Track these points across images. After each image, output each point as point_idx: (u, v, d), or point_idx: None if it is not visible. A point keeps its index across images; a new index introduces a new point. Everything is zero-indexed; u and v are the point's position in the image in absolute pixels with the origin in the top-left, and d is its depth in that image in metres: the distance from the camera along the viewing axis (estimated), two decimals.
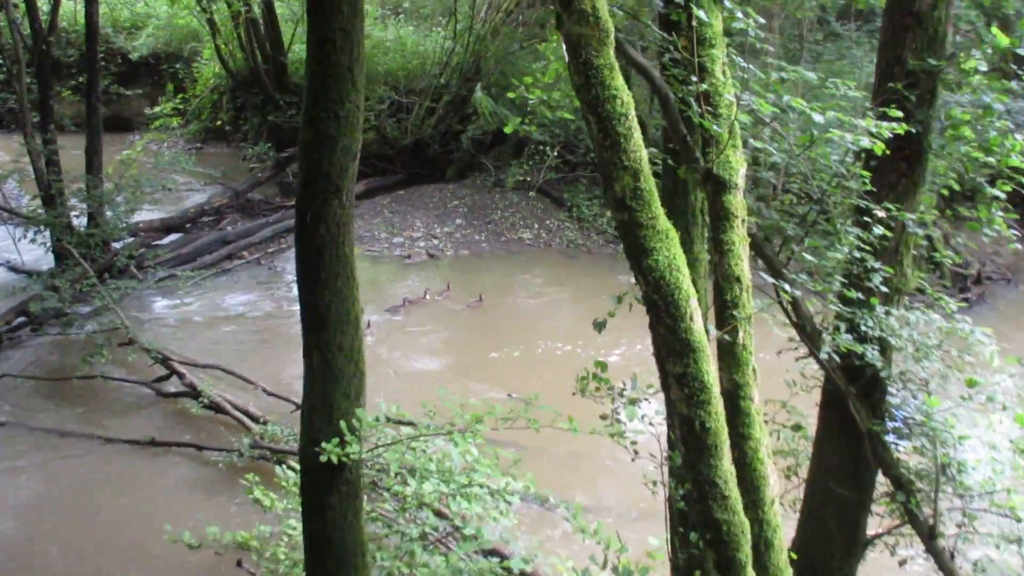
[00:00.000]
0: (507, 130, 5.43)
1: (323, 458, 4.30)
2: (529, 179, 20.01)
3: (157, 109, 23.96)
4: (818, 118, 4.34)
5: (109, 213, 13.93)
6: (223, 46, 22.09)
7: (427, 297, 14.24)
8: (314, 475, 4.48)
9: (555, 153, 19.20)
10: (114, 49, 26.37)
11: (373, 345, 11.54)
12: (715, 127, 4.24)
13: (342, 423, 4.43)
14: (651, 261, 3.82)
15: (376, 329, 12.66)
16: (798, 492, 6.19)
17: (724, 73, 4.49)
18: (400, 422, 6.20)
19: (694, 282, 3.97)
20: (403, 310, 13.87)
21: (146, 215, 17.06)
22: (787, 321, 5.41)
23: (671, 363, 3.97)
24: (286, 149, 21.41)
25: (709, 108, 4.34)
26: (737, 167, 4.38)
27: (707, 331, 4.01)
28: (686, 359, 3.90)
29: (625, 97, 3.63)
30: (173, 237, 17.58)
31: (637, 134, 3.67)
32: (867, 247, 5.10)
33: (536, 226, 18.68)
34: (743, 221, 4.50)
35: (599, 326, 4.36)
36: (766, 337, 5.39)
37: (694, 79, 4.24)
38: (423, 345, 12.41)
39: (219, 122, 24.83)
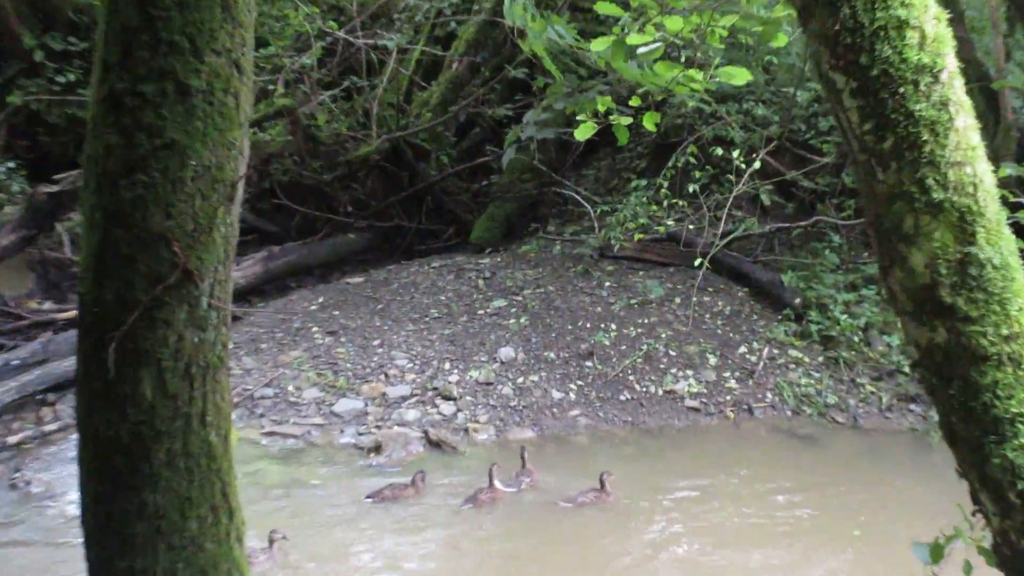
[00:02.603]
0: (634, 101, 4.90)
1: None
2: (685, 234, 16.91)
3: None
4: None
5: None
6: None
7: None
8: None
9: (755, 162, 15.62)
10: None
11: None
12: None
13: None
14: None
15: None
16: None
17: None
18: None
19: None
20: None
21: None
22: None
23: None
24: (52, 174, 17.37)
25: None
26: None
27: None
28: None
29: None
30: None
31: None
32: None
33: (710, 362, 14.57)
34: None
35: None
36: None
37: None
38: None
39: None
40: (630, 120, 4.84)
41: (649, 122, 4.83)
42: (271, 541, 10.13)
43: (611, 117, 4.99)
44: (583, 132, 4.94)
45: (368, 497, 11.68)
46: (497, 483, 11.67)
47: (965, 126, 3.37)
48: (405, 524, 11.23)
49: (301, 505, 11.51)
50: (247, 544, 9.95)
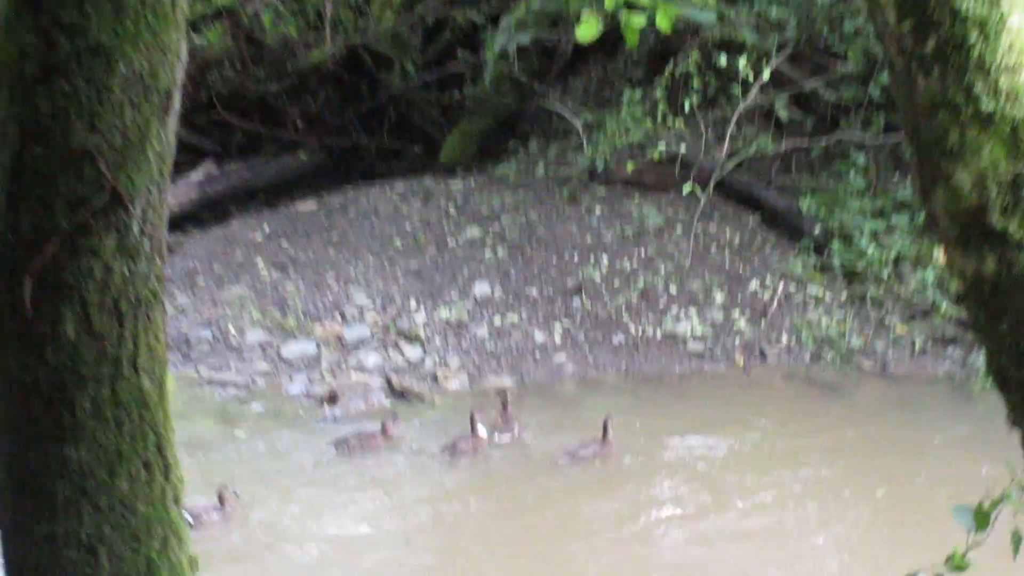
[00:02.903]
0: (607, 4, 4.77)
1: None
2: (688, 154, 17.14)
3: None
4: None
5: None
6: None
7: None
8: None
9: (766, 72, 16.04)
10: None
11: None
12: None
13: None
14: None
15: None
16: None
17: None
18: None
19: None
20: None
21: None
22: None
23: None
24: None
25: None
26: None
27: None
28: None
29: None
30: None
31: None
32: None
33: (716, 300, 14.92)
34: None
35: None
36: None
37: None
38: None
39: None
40: (643, 21, 4.86)
41: (664, 20, 4.85)
42: (221, 498, 10.33)
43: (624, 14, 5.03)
44: (586, 31, 4.93)
45: (333, 445, 11.90)
46: (480, 430, 11.90)
47: (1020, 27, 3.36)
48: (376, 478, 11.47)
49: (251, 461, 11.76)
50: (192, 501, 9.74)
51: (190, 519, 10.03)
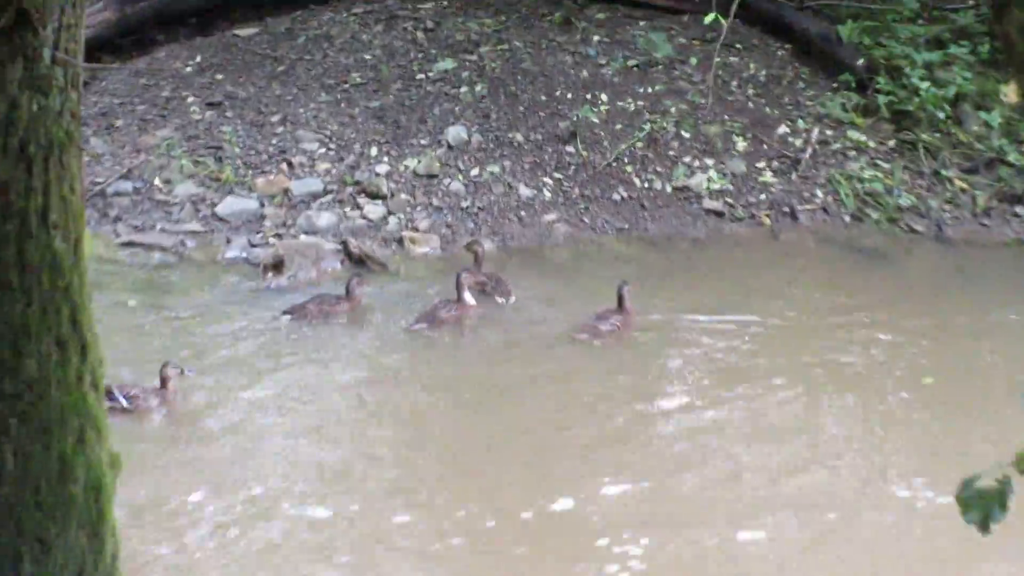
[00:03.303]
0: None
1: None
2: None
3: None
4: None
5: None
6: None
7: None
8: None
9: None
10: None
11: None
12: None
13: None
14: None
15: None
16: None
17: None
18: None
19: None
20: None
21: None
22: None
23: None
24: None
25: None
26: None
27: None
28: None
29: None
30: None
31: None
32: None
33: (738, 147, 15.15)
34: None
35: None
36: None
37: None
38: None
39: None
40: None
41: None
42: (163, 379, 10.18)
43: None
44: None
45: (285, 313, 11.92)
46: (467, 295, 11.92)
47: None
48: (340, 352, 11.45)
49: (183, 338, 11.73)
50: (127, 382, 9.87)
51: (124, 402, 10.46)
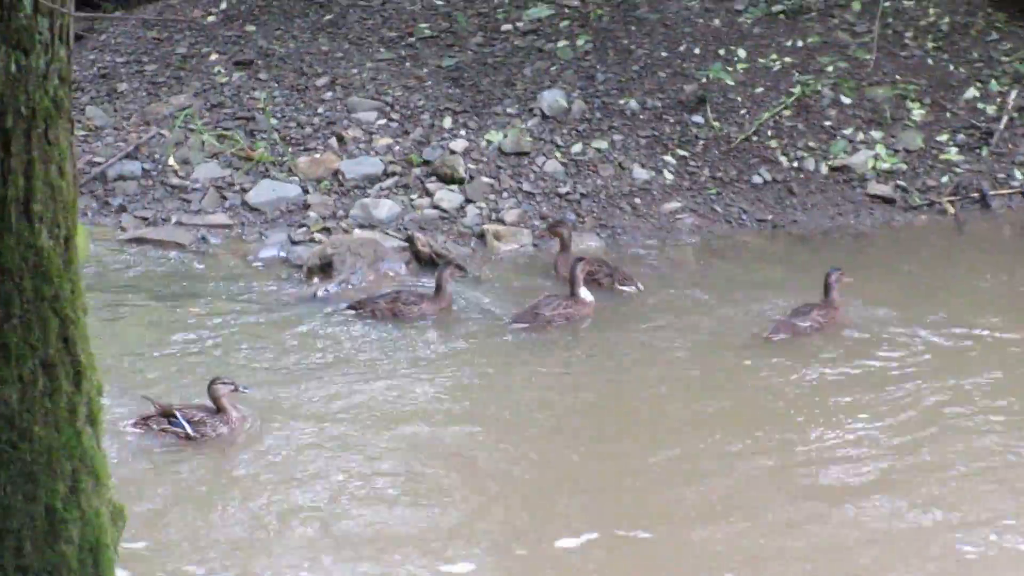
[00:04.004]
0: None
1: None
2: None
3: None
4: None
5: None
6: None
7: None
8: None
9: None
10: None
11: None
12: None
13: None
14: None
15: None
16: None
17: None
18: None
19: None
20: None
21: None
22: None
23: None
24: None
25: None
26: None
27: None
28: None
29: None
30: None
31: None
32: None
33: (913, 115, 15.24)
34: None
35: None
36: None
37: None
38: None
39: None
40: None
41: None
42: (215, 398, 10.17)
43: None
44: None
45: (349, 308, 12.05)
46: (582, 292, 11.95)
47: None
48: (419, 360, 11.40)
49: (219, 348, 11.77)
50: (172, 403, 10.57)
51: (188, 428, 10.49)
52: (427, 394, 10.55)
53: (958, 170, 14.11)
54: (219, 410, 10.25)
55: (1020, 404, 10.55)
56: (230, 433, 10.25)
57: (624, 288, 12.12)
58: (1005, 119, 14.35)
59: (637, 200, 13.64)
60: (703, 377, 10.73)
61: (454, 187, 13.88)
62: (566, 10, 16.11)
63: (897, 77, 14.88)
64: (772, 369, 10.79)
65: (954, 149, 14.28)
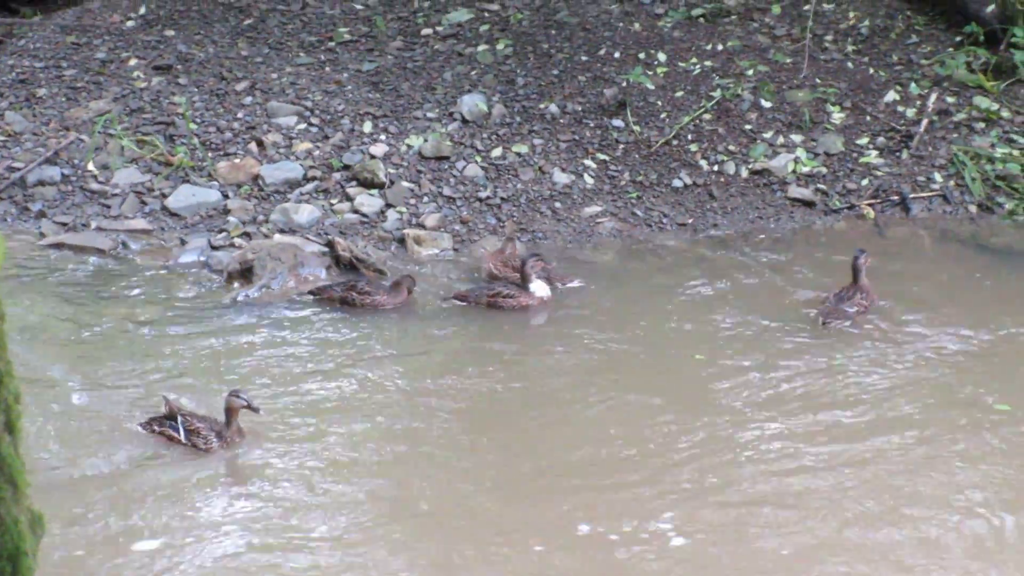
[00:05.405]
0: None
1: None
2: None
3: None
4: None
5: None
6: None
7: None
8: None
9: None
10: None
11: None
12: None
13: None
14: None
15: None
16: None
17: None
18: None
19: None
20: None
21: None
22: None
23: None
24: None
25: None
26: None
27: None
28: None
29: None
30: None
31: None
32: None
33: (833, 119, 15.45)
34: None
35: None
36: None
37: None
38: None
39: None
40: None
41: None
42: (229, 410, 10.14)
43: None
44: None
45: (310, 293, 12.18)
46: (538, 284, 12.07)
47: None
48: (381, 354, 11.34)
49: (138, 353, 11.66)
50: (184, 408, 10.75)
51: (181, 434, 10.49)
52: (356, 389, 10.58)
53: (878, 173, 14.19)
54: (227, 423, 10.22)
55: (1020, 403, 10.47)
56: (220, 449, 10.28)
57: (571, 285, 12.19)
58: (925, 122, 14.42)
59: (558, 204, 13.65)
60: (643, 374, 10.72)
61: (374, 192, 13.91)
62: (486, 14, 16.12)
63: (817, 80, 14.95)
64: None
65: (874, 152, 14.37)
